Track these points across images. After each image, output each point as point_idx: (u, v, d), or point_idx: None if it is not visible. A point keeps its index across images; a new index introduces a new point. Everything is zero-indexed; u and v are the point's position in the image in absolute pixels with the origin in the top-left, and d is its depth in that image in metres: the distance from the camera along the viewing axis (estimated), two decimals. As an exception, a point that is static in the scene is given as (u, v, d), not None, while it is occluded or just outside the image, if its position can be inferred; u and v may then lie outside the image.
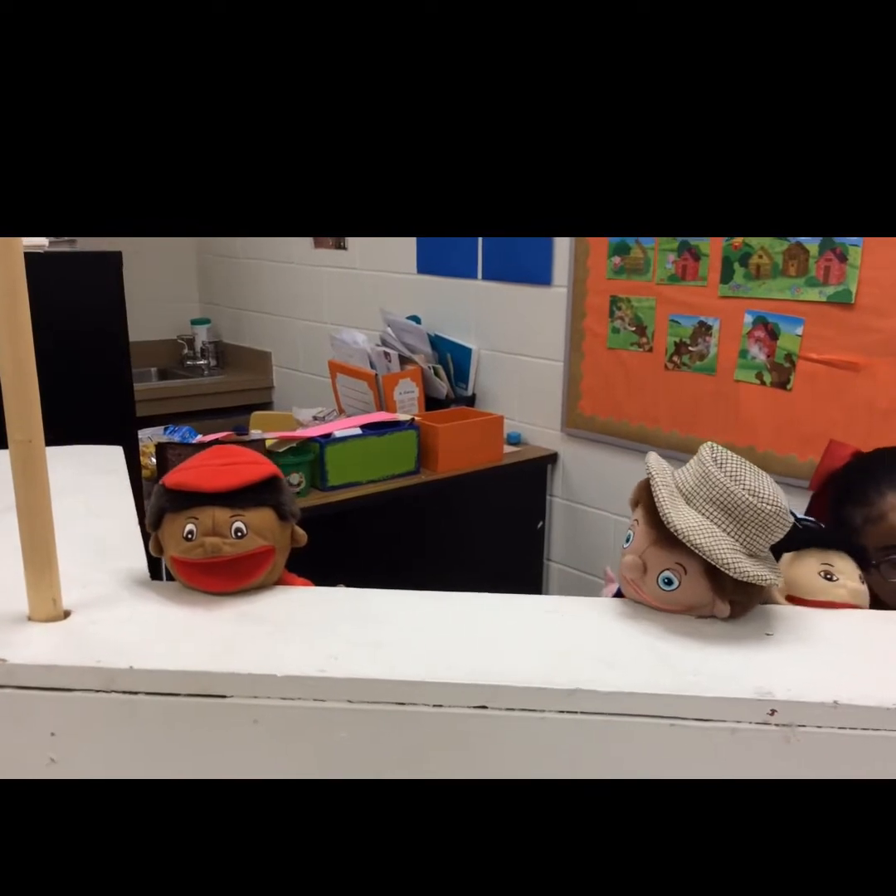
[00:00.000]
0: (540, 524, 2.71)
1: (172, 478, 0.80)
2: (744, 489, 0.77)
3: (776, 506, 0.77)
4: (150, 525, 0.82)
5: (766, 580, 0.75)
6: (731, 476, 0.78)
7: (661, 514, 0.76)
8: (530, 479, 2.65)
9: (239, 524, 0.78)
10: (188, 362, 3.79)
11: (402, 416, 2.43)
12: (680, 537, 0.74)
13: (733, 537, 0.76)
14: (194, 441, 2.29)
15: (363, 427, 2.32)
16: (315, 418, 2.77)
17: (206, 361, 3.78)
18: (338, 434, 2.26)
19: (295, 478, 2.19)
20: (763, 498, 0.76)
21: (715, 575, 0.76)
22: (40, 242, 1.72)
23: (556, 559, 2.75)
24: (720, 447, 0.81)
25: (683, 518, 0.76)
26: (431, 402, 2.75)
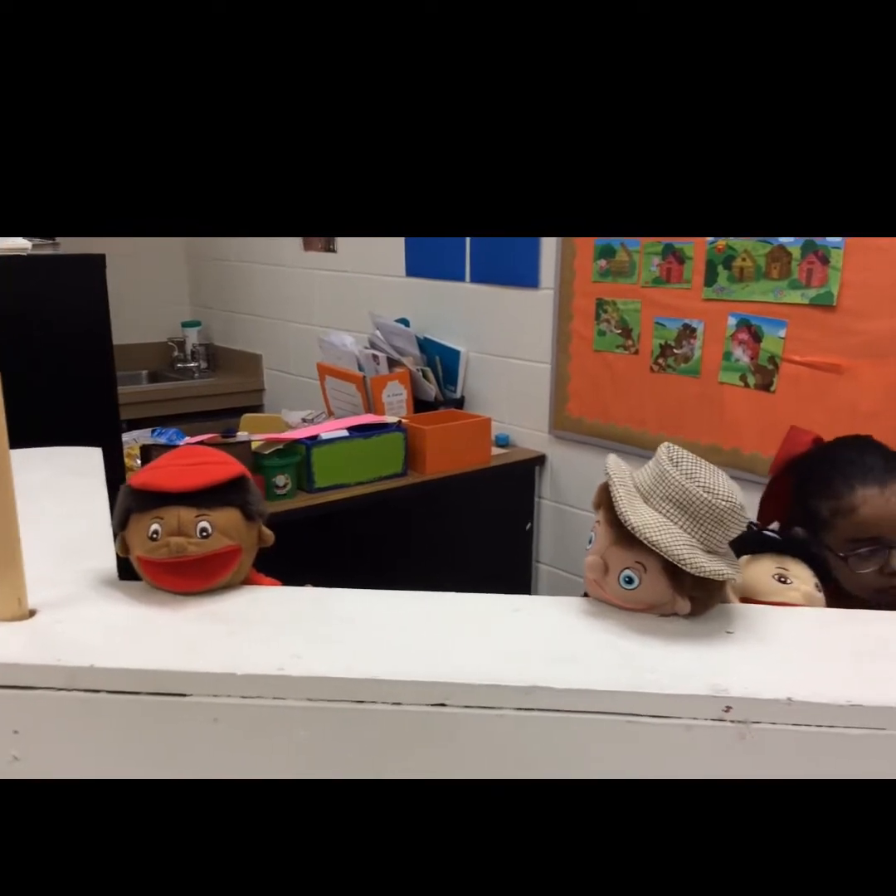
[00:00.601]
0: (528, 526, 2.71)
1: (138, 478, 0.81)
2: (699, 486, 0.78)
3: (731, 502, 0.78)
4: (117, 525, 0.82)
5: (722, 575, 0.76)
6: (686, 474, 0.79)
7: (618, 512, 0.77)
8: (518, 481, 2.65)
9: (204, 524, 0.78)
10: (179, 365, 3.80)
11: (389, 419, 2.43)
12: (637, 535, 0.75)
13: (690, 534, 0.77)
14: (180, 443, 2.30)
15: (350, 429, 2.33)
16: (304, 420, 2.78)
17: (196, 364, 3.79)
18: (324, 436, 2.27)
19: (281, 480, 2.20)
20: (718, 494, 0.77)
21: (674, 572, 0.76)
22: (23, 244, 1.73)
23: (545, 561, 2.76)
24: (677, 447, 0.81)
25: (640, 516, 0.76)
26: (420, 405, 2.76)
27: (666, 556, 0.75)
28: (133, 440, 2.30)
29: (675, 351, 2.29)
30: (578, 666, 0.71)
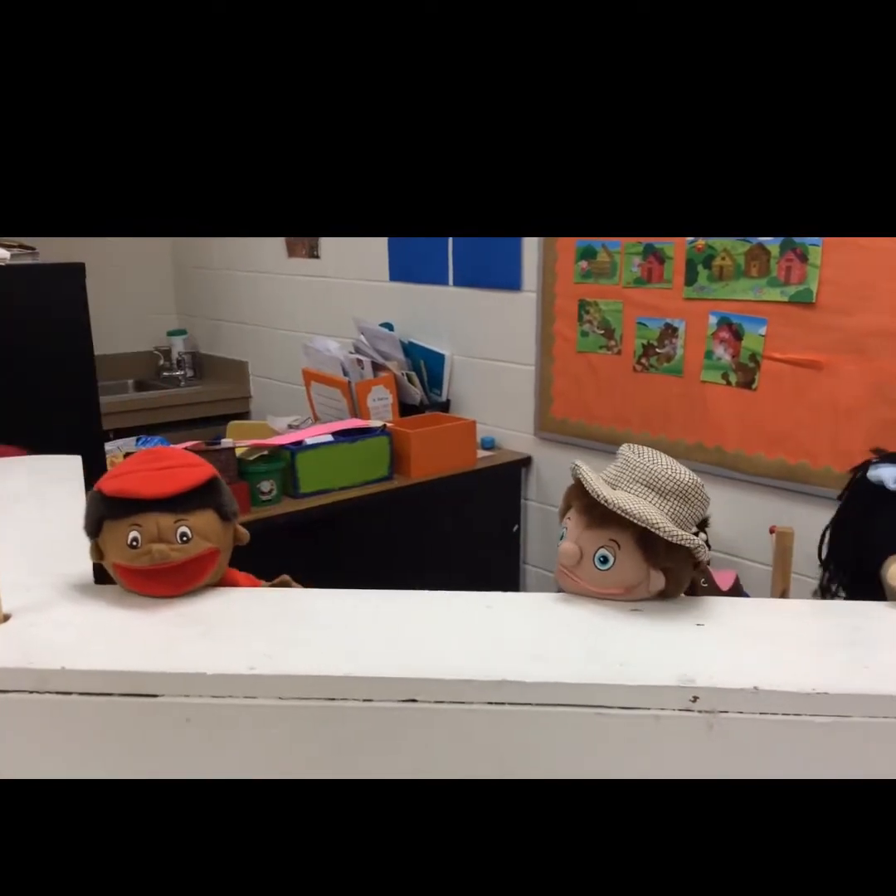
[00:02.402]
0: (516, 528, 2.72)
1: (110, 484, 0.80)
2: (662, 468, 0.86)
3: (693, 478, 0.86)
4: (90, 532, 0.82)
5: (693, 543, 0.81)
6: (649, 460, 0.87)
7: (592, 493, 0.82)
8: (504, 483, 2.66)
9: (184, 529, 0.78)
10: (165, 373, 3.79)
11: (374, 423, 2.43)
12: (612, 508, 0.81)
13: (658, 508, 0.83)
14: (166, 451, 2.29)
15: (335, 434, 2.33)
16: (290, 426, 2.78)
17: (183, 372, 3.79)
18: (309, 441, 2.27)
19: (266, 485, 2.20)
20: (680, 471, 0.86)
21: (647, 545, 0.81)
22: (2, 255, 1.72)
23: (533, 562, 2.76)
24: (637, 445, 0.91)
25: (613, 493, 0.83)
26: (406, 409, 2.76)
27: (640, 522, 0.80)
28: (117, 448, 2.30)
29: (658, 350, 2.30)
30: (548, 660, 0.72)
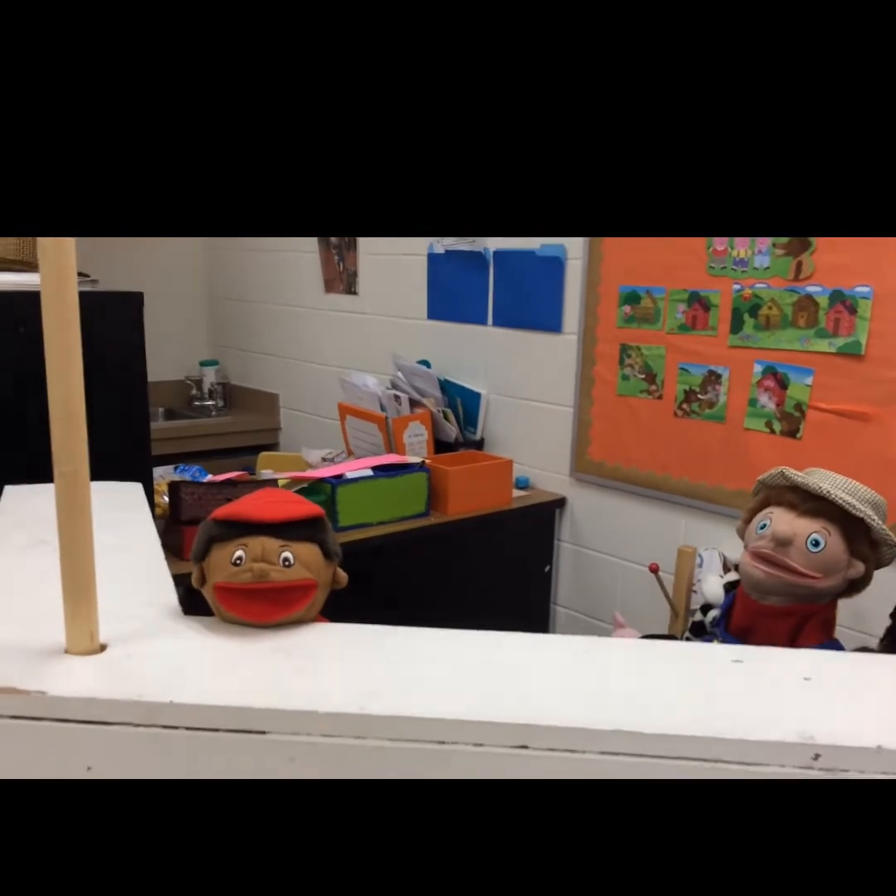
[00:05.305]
0: (548, 568, 2.70)
1: (223, 511, 0.81)
2: (856, 482, 1.14)
3: (881, 496, 1.16)
4: (196, 556, 0.82)
5: (891, 538, 1.10)
6: (843, 477, 1.20)
7: (815, 489, 1.10)
8: (539, 523, 2.65)
9: (287, 554, 0.79)
10: (196, 403, 3.81)
11: (413, 459, 2.43)
12: (830, 497, 1.09)
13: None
14: (205, 480, 2.30)
15: (374, 469, 2.33)
16: (324, 459, 2.78)
17: (213, 402, 3.80)
18: (349, 475, 2.27)
19: (305, 518, 2.19)
20: (871, 491, 1.17)
21: (851, 537, 1.09)
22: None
23: (563, 603, 2.75)
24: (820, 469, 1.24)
25: (835, 492, 1.09)
26: (440, 446, 2.76)
27: (858, 513, 1.08)
28: (160, 477, 2.30)
29: (700, 396, 2.30)
30: (657, 709, 0.71)
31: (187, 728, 0.69)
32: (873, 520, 1.12)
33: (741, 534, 1.32)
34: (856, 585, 1.21)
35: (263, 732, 0.69)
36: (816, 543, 1.06)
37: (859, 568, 1.11)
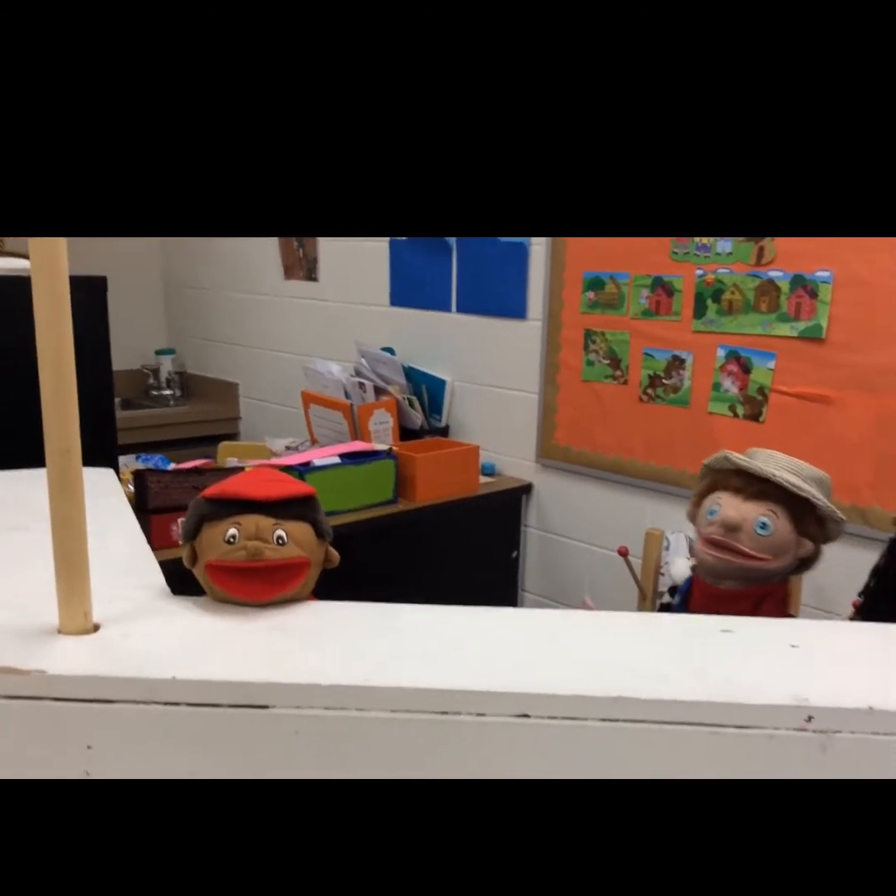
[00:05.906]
0: (515, 554, 2.72)
1: (213, 489, 0.81)
2: (799, 461, 1.15)
3: (823, 472, 1.17)
4: (187, 536, 0.81)
5: (838, 515, 1.12)
6: (784, 455, 1.18)
7: (759, 471, 1.09)
8: (505, 509, 2.67)
9: (280, 532, 0.78)
10: (153, 392, 3.76)
11: (380, 446, 2.43)
12: (779, 481, 1.09)
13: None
14: (169, 468, 2.27)
15: (341, 456, 2.32)
16: (288, 448, 2.76)
17: (171, 392, 3.75)
18: (317, 462, 2.26)
19: (273, 506, 2.18)
20: (815, 467, 1.18)
21: (798, 516, 1.11)
22: (23, 265, 1.70)
23: (531, 589, 2.77)
24: (763, 448, 1.24)
25: (779, 472, 1.10)
26: (406, 433, 2.76)
27: (803, 494, 1.09)
28: (124, 466, 2.27)
29: (665, 381, 2.34)
30: (657, 677, 0.72)
31: (189, 704, 0.69)
32: (818, 498, 1.13)
33: (692, 518, 1.33)
34: (806, 563, 1.23)
35: (266, 707, 0.69)
36: (764, 526, 1.08)
37: (808, 547, 1.14)
